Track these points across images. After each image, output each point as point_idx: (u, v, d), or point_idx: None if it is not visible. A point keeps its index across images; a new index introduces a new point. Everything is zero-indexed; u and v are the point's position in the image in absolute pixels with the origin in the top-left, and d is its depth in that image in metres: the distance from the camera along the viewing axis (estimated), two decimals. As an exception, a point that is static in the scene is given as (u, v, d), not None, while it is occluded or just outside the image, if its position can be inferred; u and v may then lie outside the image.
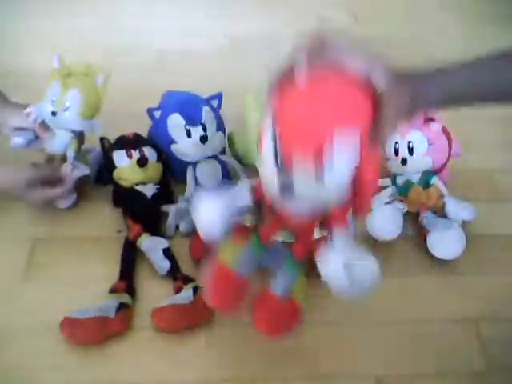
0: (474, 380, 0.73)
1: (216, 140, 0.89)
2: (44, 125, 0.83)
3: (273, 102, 0.52)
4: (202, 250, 0.79)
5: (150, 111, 0.88)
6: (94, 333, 0.70)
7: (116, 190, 0.87)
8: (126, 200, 0.86)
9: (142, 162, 0.84)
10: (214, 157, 0.90)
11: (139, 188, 0.85)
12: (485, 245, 0.89)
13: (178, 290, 0.76)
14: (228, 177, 0.90)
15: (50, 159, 0.87)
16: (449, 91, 0.55)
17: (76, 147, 0.85)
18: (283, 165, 0.49)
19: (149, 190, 0.85)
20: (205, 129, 0.87)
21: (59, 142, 0.84)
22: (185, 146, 0.87)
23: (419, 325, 0.78)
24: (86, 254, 0.82)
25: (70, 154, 0.84)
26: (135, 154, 0.85)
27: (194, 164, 0.88)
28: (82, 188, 0.88)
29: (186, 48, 1.26)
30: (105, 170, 0.87)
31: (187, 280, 0.77)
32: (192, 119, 0.87)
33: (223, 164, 0.90)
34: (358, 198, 0.53)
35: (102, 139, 0.87)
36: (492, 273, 0.86)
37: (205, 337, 0.73)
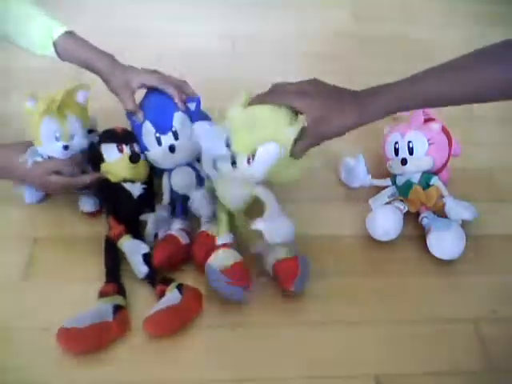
0: (474, 380, 0.73)
1: (187, 148, 0.85)
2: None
3: None
4: (164, 258, 0.77)
5: (129, 115, 0.85)
6: (94, 340, 0.69)
7: (102, 183, 0.84)
8: (113, 198, 0.83)
9: (135, 158, 0.82)
10: (189, 164, 0.87)
11: (127, 186, 0.83)
12: (485, 245, 0.89)
13: (161, 294, 0.75)
14: (202, 184, 0.86)
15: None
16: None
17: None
18: None
19: (136, 190, 0.83)
20: (176, 137, 0.84)
21: None
22: (155, 154, 0.85)
23: (419, 325, 0.78)
24: (85, 254, 0.82)
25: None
26: (126, 150, 0.83)
27: (169, 171, 0.86)
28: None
29: (185, 48, 1.26)
30: (90, 162, 0.85)
31: (167, 281, 0.76)
32: (162, 127, 0.84)
33: (197, 171, 0.87)
34: None
35: (89, 132, 0.86)
36: (492, 273, 0.86)
37: (204, 337, 0.73)
